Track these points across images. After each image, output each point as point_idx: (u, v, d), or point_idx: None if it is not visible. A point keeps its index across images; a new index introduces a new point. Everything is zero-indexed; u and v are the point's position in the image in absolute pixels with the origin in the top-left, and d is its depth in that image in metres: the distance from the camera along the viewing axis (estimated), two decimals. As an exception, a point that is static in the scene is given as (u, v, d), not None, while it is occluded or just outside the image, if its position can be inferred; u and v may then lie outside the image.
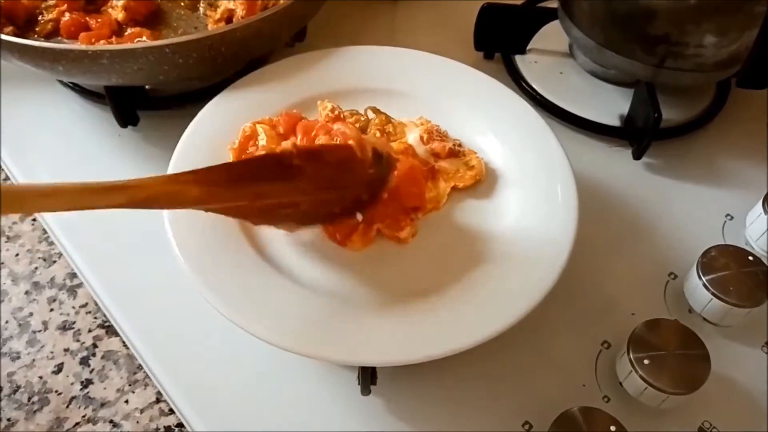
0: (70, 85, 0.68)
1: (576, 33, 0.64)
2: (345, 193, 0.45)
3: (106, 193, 0.35)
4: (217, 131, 0.54)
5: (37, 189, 0.34)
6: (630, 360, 0.46)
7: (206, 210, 0.41)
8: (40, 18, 0.63)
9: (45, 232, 0.61)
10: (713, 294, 0.50)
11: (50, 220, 0.59)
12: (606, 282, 0.55)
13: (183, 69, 0.55)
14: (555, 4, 0.68)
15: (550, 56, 0.72)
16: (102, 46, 0.54)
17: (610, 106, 0.67)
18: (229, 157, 0.53)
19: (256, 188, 0.41)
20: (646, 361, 0.45)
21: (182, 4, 0.66)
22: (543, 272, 0.46)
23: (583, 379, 0.49)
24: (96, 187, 0.35)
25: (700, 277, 0.51)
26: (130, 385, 0.52)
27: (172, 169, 0.50)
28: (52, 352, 0.54)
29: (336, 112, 0.54)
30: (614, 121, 0.66)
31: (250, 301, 0.44)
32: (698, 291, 0.51)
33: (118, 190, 0.36)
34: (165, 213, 0.47)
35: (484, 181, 0.53)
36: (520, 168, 0.53)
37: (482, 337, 0.42)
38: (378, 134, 0.53)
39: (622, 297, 0.54)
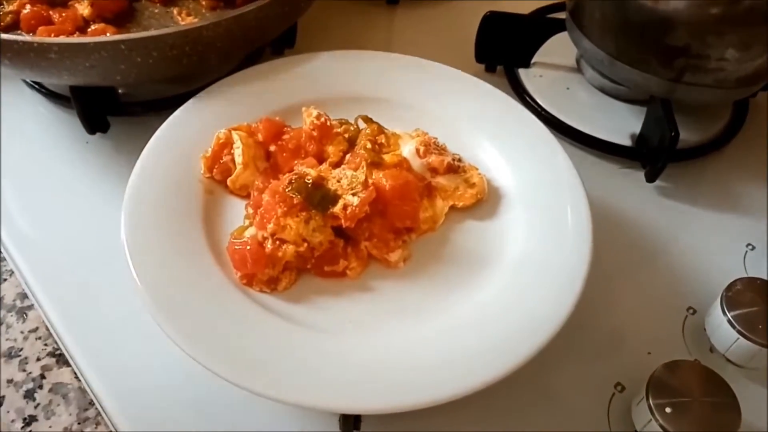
0: (36, 86, 0.63)
1: (586, 44, 0.61)
2: None
3: None
4: (188, 138, 0.50)
5: None
6: (649, 407, 0.42)
7: None
8: (0, 10, 0.59)
9: (-4, 246, 0.55)
10: (740, 332, 0.46)
11: (2, 232, 0.54)
12: (618, 316, 0.51)
13: (143, 69, 0.51)
14: (563, 15, 0.65)
15: (556, 70, 0.69)
16: (50, 38, 0.50)
17: (620, 124, 0.63)
18: (200, 166, 0.49)
19: None
20: (667, 409, 0.41)
21: (155, 2, 0.64)
22: (551, 308, 0.42)
23: (594, 426, 0.45)
24: None
25: (725, 313, 0.47)
26: (79, 423, 0.47)
27: (134, 178, 0.46)
28: (-7, 383, 0.48)
29: (322, 120, 0.50)
30: (625, 141, 0.62)
31: (219, 337, 0.40)
32: (722, 329, 0.47)
33: None
34: (123, 235, 0.43)
35: (486, 201, 0.51)
36: (526, 187, 0.50)
37: (480, 383, 0.39)
38: (369, 145, 0.48)
39: (636, 333, 0.50)
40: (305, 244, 0.43)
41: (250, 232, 0.44)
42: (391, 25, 0.77)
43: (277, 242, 0.43)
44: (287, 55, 0.66)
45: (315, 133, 0.49)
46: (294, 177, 0.44)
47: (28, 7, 0.58)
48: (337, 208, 0.44)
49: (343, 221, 0.44)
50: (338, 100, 0.55)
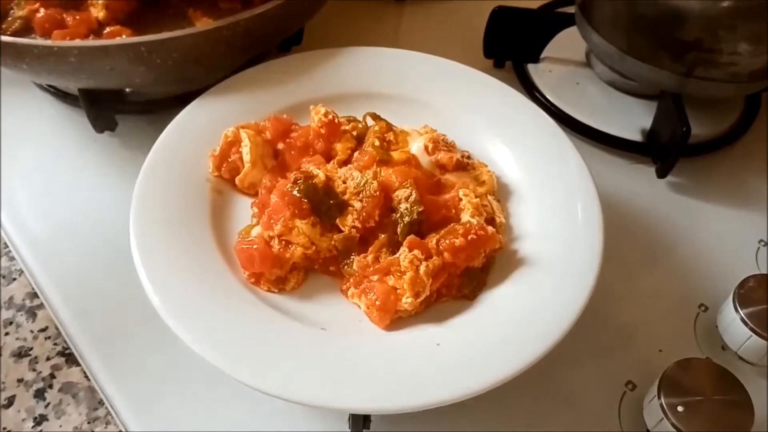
0: (46, 87, 0.63)
1: (596, 39, 0.60)
2: None
3: None
4: (196, 136, 0.50)
5: None
6: (661, 405, 0.41)
7: None
8: (10, 15, 0.58)
9: (6, 246, 0.55)
10: (752, 330, 0.46)
11: (12, 232, 0.54)
12: (629, 314, 0.51)
13: (162, 71, 0.50)
14: (572, 9, 0.64)
15: (566, 65, 0.68)
16: (70, 42, 0.49)
17: (630, 119, 0.63)
18: (208, 165, 0.49)
19: None
20: (679, 408, 0.41)
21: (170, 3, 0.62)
22: (563, 306, 0.41)
23: (605, 424, 0.45)
24: None
25: (737, 311, 0.47)
26: (89, 422, 0.47)
27: (142, 177, 0.46)
28: (3, 383, 0.48)
29: (330, 117, 0.49)
30: (635, 136, 0.61)
31: (227, 336, 0.39)
32: (734, 326, 0.47)
33: None
34: (132, 233, 0.43)
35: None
36: (536, 184, 0.50)
37: (490, 382, 0.38)
38: (377, 143, 0.48)
39: (647, 331, 0.50)
40: (313, 247, 0.43)
41: (256, 231, 0.44)
42: (398, 21, 0.76)
43: (284, 243, 0.42)
44: (294, 52, 0.65)
45: (323, 131, 0.49)
46: (299, 177, 0.43)
47: (42, 10, 0.57)
48: (344, 222, 0.43)
49: (347, 230, 0.43)
50: (346, 98, 0.54)
